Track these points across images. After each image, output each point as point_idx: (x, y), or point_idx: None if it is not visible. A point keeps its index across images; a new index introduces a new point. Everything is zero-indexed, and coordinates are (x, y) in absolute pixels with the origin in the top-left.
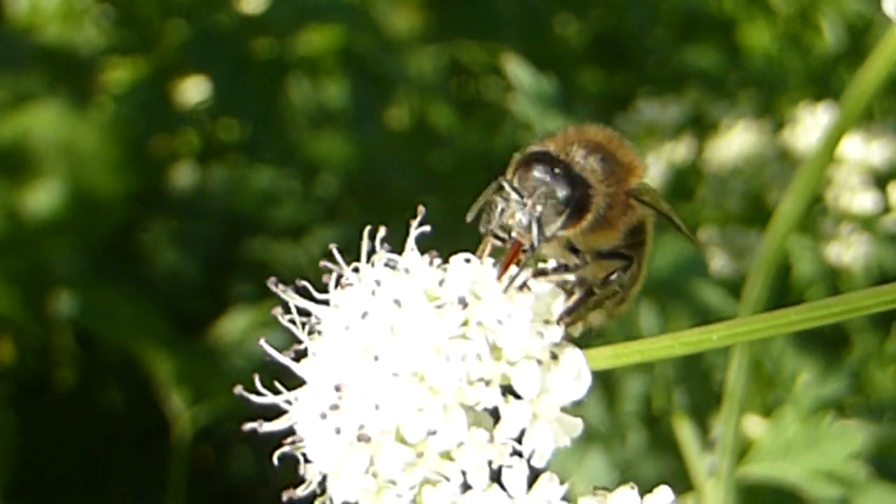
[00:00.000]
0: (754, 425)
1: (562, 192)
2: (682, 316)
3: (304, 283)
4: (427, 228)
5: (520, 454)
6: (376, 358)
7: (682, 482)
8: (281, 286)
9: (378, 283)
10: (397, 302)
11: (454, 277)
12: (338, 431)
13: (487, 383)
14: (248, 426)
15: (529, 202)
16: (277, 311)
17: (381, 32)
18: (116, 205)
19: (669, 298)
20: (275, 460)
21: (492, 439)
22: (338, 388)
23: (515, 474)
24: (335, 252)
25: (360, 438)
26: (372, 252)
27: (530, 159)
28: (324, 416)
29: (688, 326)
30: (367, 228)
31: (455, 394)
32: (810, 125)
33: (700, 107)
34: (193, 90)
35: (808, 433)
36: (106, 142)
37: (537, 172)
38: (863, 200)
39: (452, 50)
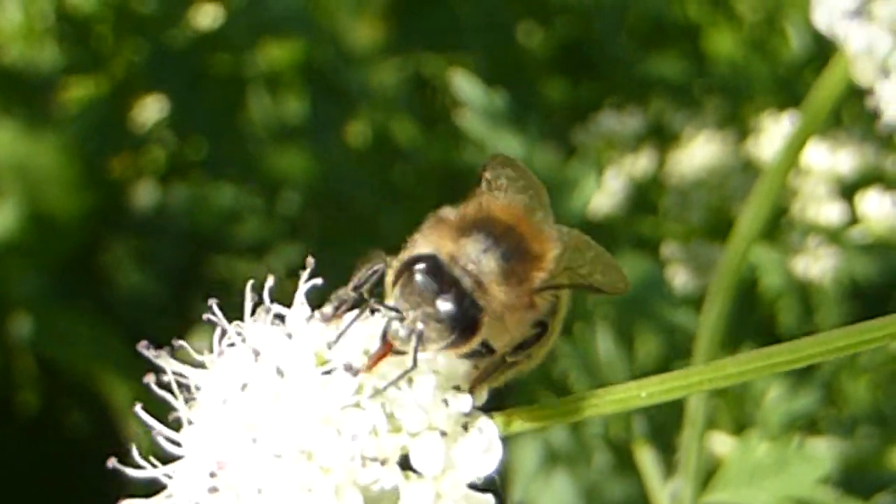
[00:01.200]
0: (721, 444)
1: (446, 315)
2: (645, 335)
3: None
4: (318, 282)
5: None
6: (254, 440)
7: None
8: (153, 350)
9: (257, 351)
10: (280, 371)
11: (346, 339)
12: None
13: (383, 462)
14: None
15: (410, 317)
16: (151, 378)
17: (341, 45)
18: (75, 225)
19: (631, 318)
20: None
21: None
22: (218, 467)
23: None
24: (215, 308)
25: None
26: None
27: (413, 268)
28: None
29: (651, 347)
30: (250, 283)
31: (348, 473)
32: (774, 134)
33: (662, 117)
34: (152, 108)
35: (776, 456)
36: (63, 161)
37: (420, 286)
38: (830, 211)
39: (416, 63)
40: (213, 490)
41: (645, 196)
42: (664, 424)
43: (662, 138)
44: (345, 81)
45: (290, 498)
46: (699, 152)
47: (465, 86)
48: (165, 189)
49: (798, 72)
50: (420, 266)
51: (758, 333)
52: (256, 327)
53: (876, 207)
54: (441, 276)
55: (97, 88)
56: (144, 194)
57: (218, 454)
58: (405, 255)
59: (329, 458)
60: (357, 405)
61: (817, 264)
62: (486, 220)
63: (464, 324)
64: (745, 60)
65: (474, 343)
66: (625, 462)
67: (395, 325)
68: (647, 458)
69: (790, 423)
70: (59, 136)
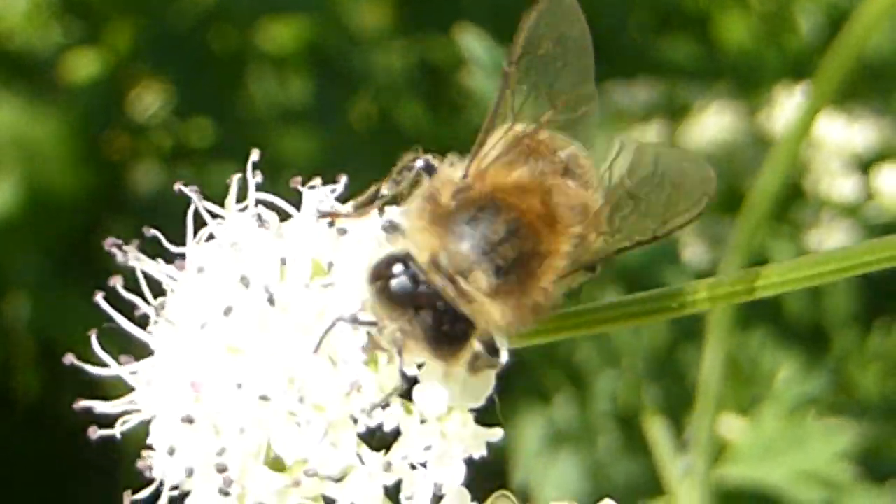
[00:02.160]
0: (731, 426)
1: (424, 334)
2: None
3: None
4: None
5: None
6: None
7: (656, 485)
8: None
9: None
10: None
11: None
12: (191, 423)
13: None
14: (81, 404)
15: (388, 328)
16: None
17: (347, 26)
18: (76, 205)
19: (640, 290)
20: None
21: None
22: (192, 389)
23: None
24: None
25: (218, 469)
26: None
27: (387, 274)
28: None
29: (662, 326)
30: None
31: (343, 410)
32: (787, 108)
33: (672, 90)
34: (154, 89)
35: (791, 432)
36: (64, 141)
37: (394, 298)
38: (843, 186)
39: (422, 47)
40: (188, 421)
41: None
42: (672, 405)
43: (672, 111)
44: (350, 63)
45: (274, 434)
46: (709, 126)
47: (472, 43)
48: (168, 171)
49: (809, 58)
50: (394, 272)
51: (767, 311)
52: (239, 222)
53: (891, 183)
54: (416, 286)
55: (99, 67)
56: (146, 176)
57: (192, 373)
58: (379, 255)
59: (322, 393)
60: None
61: (830, 240)
62: (486, 207)
63: (447, 342)
64: (756, 47)
65: (467, 354)
66: (632, 442)
67: (375, 332)
68: (658, 431)
69: (801, 405)
70: (60, 115)
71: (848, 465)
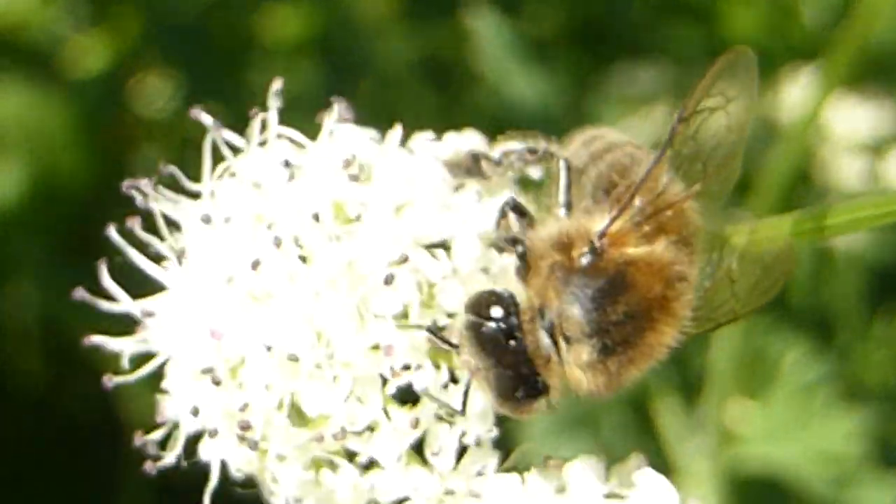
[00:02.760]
0: (739, 409)
1: (497, 389)
2: None
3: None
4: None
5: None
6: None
7: (665, 467)
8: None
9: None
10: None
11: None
12: (215, 382)
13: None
14: (92, 339)
15: (465, 358)
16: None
17: (352, 13)
18: (81, 192)
19: None
20: None
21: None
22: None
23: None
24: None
25: (241, 426)
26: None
27: (484, 315)
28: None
29: None
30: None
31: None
32: (792, 92)
33: (678, 74)
34: (159, 75)
35: (800, 412)
36: (70, 127)
37: (482, 342)
38: (850, 172)
39: (427, 34)
40: (208, 371)
41: None
42: (679, 389)
43: (678, 96)
44: (355, 51)
45: (299, 387)
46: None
47: (480, 22)
48: (172, 157)
49: (814, 43)
50: (492, 316)
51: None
52: (262, 160)
53: None
54: (508, 340)
55: (105, 55)
56: (150, 163)
57: (213, 321)
58: (486, 290)
59: (351, 350)
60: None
61: None
62: (615, 281)
63: (514, 402)
64: (762, 32)
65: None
66: (640, 424)
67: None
68: (666, 414)
69: (810, 387)
70: (65, 102)
71: (857, 445)
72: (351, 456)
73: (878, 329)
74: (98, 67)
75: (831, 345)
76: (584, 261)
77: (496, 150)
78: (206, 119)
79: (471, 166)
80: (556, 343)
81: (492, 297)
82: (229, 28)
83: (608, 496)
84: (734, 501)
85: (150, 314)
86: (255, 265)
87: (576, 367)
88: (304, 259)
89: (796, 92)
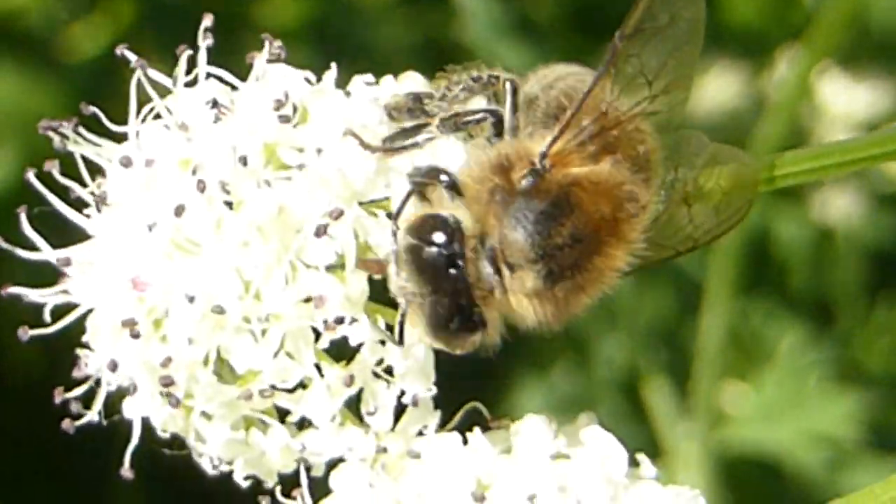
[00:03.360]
0: (733, 393)
1: (434, 321)
2: (656, 284)
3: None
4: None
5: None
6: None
7: (658, 450)
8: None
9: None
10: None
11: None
12: (135, 335)
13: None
14: (8, 290)
15: (402, 283)
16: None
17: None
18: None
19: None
20: None
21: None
22: (135, 286)
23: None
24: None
25: (163, 383)
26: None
27: (425, 241)
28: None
29: (665, 295)
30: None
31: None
32: (786, 71)
33: None
34: (154, 63)
35: (793, 394)
36: (64, 113)
37: (422, 270)
38: None
39: (423, 19)
40: (130, 324)
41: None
42: (673, 373)
43: None
44: (350, 35)
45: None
46: (712, 89)
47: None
48: None
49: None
50: (434, 241)
51: (771, 283)
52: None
53: None
54: (449, 268)
55: (100, 40)
56: None
57: (135, 270)
58: (424, 211)
59: (280, 302)
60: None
61: (834, 207)
62: (558, 203)
63: (450, 335)
64: (759, 17)
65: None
66: (633, 408)
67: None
68: (658, 397)
69: (805, 370)
70: (60, 87)
71: (852, 427)
72: (283, 415)
73: (879, 315)
74: (93, 52)
75: (831, 330)
76: (525, 183)
77: (439, 87)
78: (131, 57)
79: (412, 106)
80: (498, 271)
81: (435, 222)
82: (225, 13)
83: (555, 457)
84: (725, 483)
85: (68, 262)
86: (179, 211)
87: (521, 296)
88: (231, 206)
89: (788, 69)
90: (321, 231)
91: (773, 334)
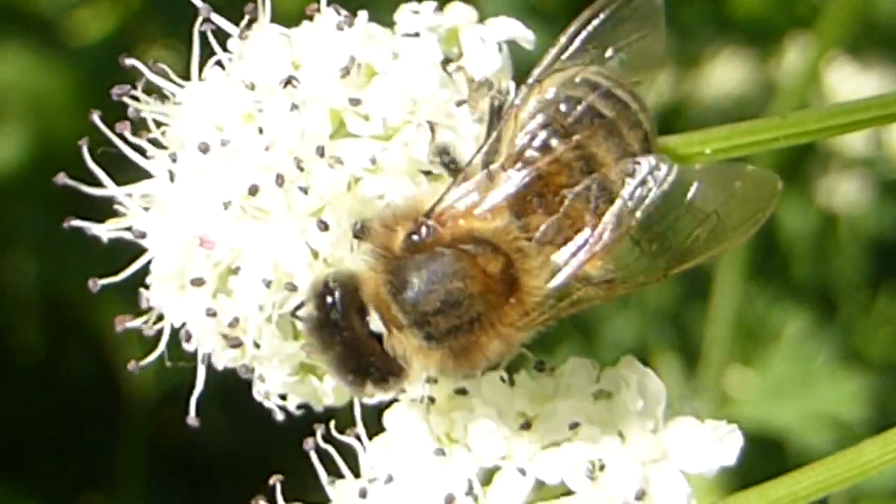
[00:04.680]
0: (739, 377)
1: (338, 367)
2: None
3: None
4: None
5: None
6: None
7: None
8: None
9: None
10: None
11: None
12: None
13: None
14: (74, 223)
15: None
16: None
17: None
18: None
19: None
20: None
21: None
22: (203, 244)
23: None
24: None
25: (232, 345)
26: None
27: (317, 301)
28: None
29: (672, 279)
30: None
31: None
32: (793, 60)
33: (681, 41)
34: (163, 46)
35: (798, 375)
36: (73, 95)
37: (318, 335)
38: (854, 139)
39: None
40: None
41: (664, 119)
42: (680, 356)
43: (682, 62)
44: None
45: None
46: (720, 76)
47: None
48: None
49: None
50: (325, 306)
51: (775, 272)
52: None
53: None
54: (336, 331)
55: (109, 23)
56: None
57: (203, 226)
58: (324, 275)
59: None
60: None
61: (840, 192)
62: (433, 267)
63: (359, 387)
64: (767, 6)
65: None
66: None
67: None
68: (665, 377)
69: (809, 353)
70: (69, 70)
71: (857, 407)
72: None
73: (881, 304)
74: (101, 35)
75: (834, 318)
76: (403, 245)
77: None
78: (199, 3)
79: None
80: (389, 329)
81: (326, 285)
82: None
83: (597, 395)
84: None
85: (137, 202)
86: (254, 191)
87: (413, 351)
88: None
89: (796, 58)
90: None
91: (777, 321)
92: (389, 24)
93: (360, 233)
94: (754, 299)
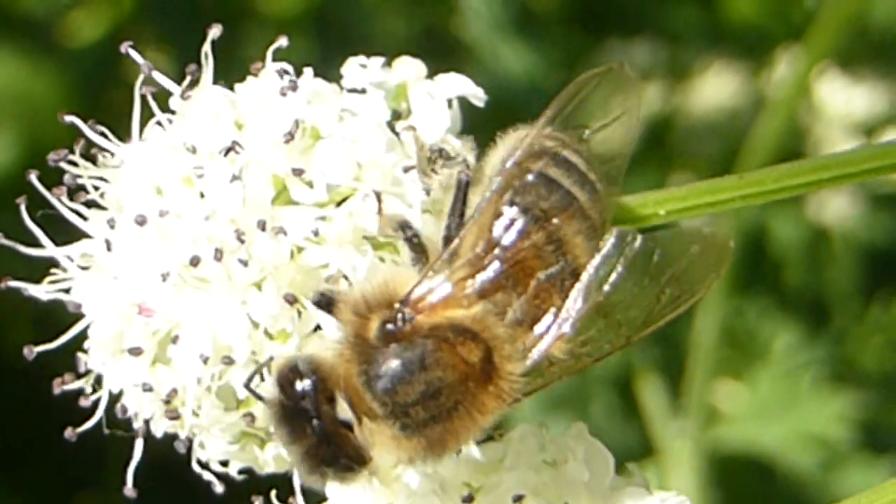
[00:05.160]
0: (727, 391)
1: (312, 460)
2: None
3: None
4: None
5: None
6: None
7: (651, 448)
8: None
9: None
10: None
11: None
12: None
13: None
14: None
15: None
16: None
17: None
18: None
19: None
20: None
21: None
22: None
23: None
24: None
25: (170, 417)
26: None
27: (279, 401)
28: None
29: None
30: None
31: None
32: (785, 70)
33: (673, 52)
34: (154, 50)
35: (786, 394)
36: (64, 99)
37: (284, 426)
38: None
39: (425, 10)
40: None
41: (654, 133)
42: (666, 371)
43: (674, 74)
44: (351, 25)
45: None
46: (711, 87)
47: None
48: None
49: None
50: (291, 395)
51: (766, 282)
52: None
53: None
54: (309, 420)
55: (100, 27)
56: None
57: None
58: (288, 361)
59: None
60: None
61: (830, 205)
62: (409, 358)
63: (323, 478)
64: (759, 16)
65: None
66: (626, 406)
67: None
68: (650, 395)
69: (799, 370)
70: (60, 73)
71: (845, 428)
72: None
73: (874, 314)
74: (94, 38)
75: (825, 330)
76: (377, 334)
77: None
78: (137, 57)
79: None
80: (359, 419)
81: (295, 370)
82: (225, 1)
83: (543, 464)
84: (717, 482)
85: (76, 262)
86: (195, 262)
87: (384, 441)
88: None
89: (786, 70)
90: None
91: (768, 333)
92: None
93: (320, 304)
94: (744, 311)
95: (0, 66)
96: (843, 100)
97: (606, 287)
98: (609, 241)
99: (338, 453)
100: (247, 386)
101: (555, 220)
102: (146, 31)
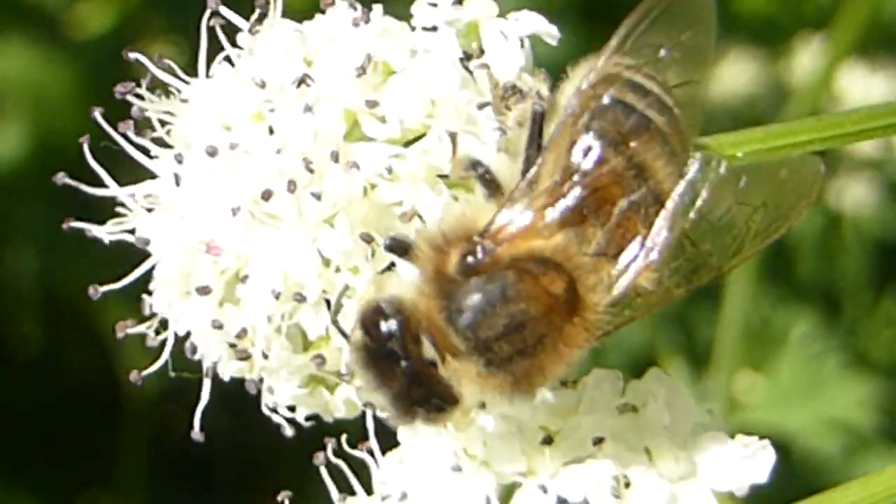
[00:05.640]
0: (746, 381)
1: (402, 403)
2: None
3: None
4: None
5: None
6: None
7: None
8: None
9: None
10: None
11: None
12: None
13: None
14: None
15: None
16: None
17: None
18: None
19: None
20: None
21: None
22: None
23: None
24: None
25: (240, 357)
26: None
27: (369, 330)
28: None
29: None
30: None
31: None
32: (805, 58)
33: None
34: (164, 41)
35: (808, 380)
36: (73, 90)
37: (371, 370)
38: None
39: None
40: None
41: None
42: (686, 359)
43: None
44: None
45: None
46: (728, 75)
47: None
48: None
49: (827, 11)
50: (377, 337)
51: (780, 274)
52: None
53: None
54: (397, 362)
55: (110, 17)
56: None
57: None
58: (372, 303)
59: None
60: None
61: (849, 194)
62: (492, 289)
63: (413, 421)
64: (773, 7)
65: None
66: None
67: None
68: (673, 372)
69: (817, 358)
70: (70, 64)
71: (867, 413)
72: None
73: (886, 305)
74: (102, 29)
75: (839, 320)
76: (458, 268)
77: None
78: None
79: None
80: (443, 357)
81: (380, 312)
82: None
83: (622, 409)
84: None
85: (142, 203)
86: (267, 196)
87: (470, 379)
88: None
89: (807, 59)
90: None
91: (783, 323)
92: (406, 16)
93: (393, 249)
94: (760, 301)
95: (11, 57)
96: (862, 90)
97: (692, 214)
98: (693, 167)
99: (428, 394)
100: (334, 321)
101: (633, 144)
102: (157, 20)
